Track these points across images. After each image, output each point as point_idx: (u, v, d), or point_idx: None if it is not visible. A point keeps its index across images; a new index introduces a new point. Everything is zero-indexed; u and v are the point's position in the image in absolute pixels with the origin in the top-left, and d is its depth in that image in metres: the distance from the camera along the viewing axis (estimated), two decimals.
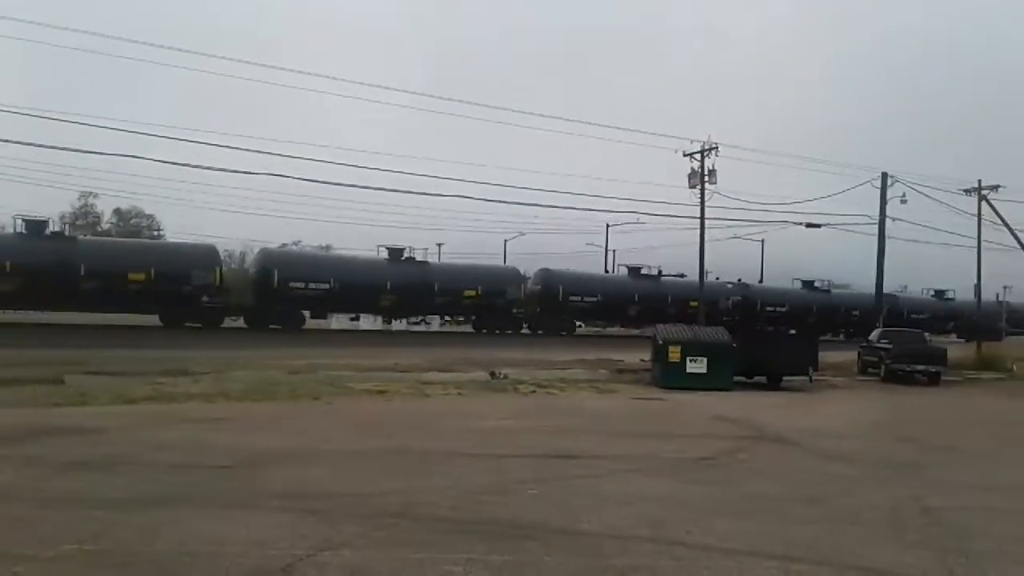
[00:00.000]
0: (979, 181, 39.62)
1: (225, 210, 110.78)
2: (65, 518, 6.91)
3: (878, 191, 38.22)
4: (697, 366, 22.25)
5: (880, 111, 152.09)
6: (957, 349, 36.24)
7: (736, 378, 23.01)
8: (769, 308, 56.26)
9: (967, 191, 39.93)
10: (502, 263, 59.34)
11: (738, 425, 15.05)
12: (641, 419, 15.93)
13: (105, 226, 73.63)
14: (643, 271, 53.17)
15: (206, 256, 39.90)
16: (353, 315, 52.87)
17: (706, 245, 40.14)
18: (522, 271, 51.90)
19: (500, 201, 50.04)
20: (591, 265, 64.16)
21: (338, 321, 51.89)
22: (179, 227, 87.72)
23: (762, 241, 70.00)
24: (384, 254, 45.25)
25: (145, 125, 40.98)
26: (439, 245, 75.38)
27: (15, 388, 15.88)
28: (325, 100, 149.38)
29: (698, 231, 39.76)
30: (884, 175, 38.57)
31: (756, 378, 24.38)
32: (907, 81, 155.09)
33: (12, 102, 76.50)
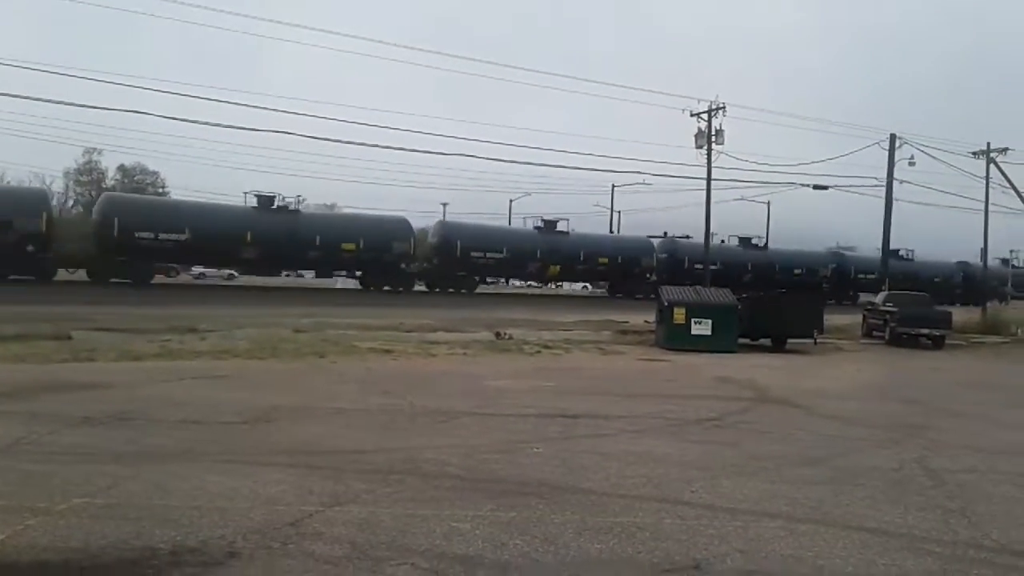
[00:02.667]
0: (988, 144, 39.33)
1: (234, 167, 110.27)
2: (75, 472, 6.96)
3: (886, 153, 37.99)
4: (702, 328, 22.28)
5: (889, 71, 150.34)
6: (961, 313, 36.19)
7: (741, 340, 23.05)
8: (861, 275, 56.74)
9: (975, 154, 39.65)
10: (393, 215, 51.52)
11: (742, 386, 15.09)
12: (645, 380, 15.98)
13: (110, 183, 73.43)
14: (558, 227, 50.34)
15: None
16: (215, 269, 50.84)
17: (712, 206, 40.02)
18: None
19: (505, 160, 49.66)
20: (596, 226, 64.08)
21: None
22: (184, 184, 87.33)
23: (768, 203, 69.86)
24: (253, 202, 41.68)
25: (148, 80, 40.69)
26: (444, 205, 75.43)
27: (27, 343, 15.99)
28: (330, 56, 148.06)
29: (704, 192, 39.62)
30: (892, 136, 38.32)
31: (761, 340, 24.42)
32: (917, 42, 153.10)
33: (10, 54, 75.78)
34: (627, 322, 29.11)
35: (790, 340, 24.50)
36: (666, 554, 5.42)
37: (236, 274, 51.83)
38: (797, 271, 54.65)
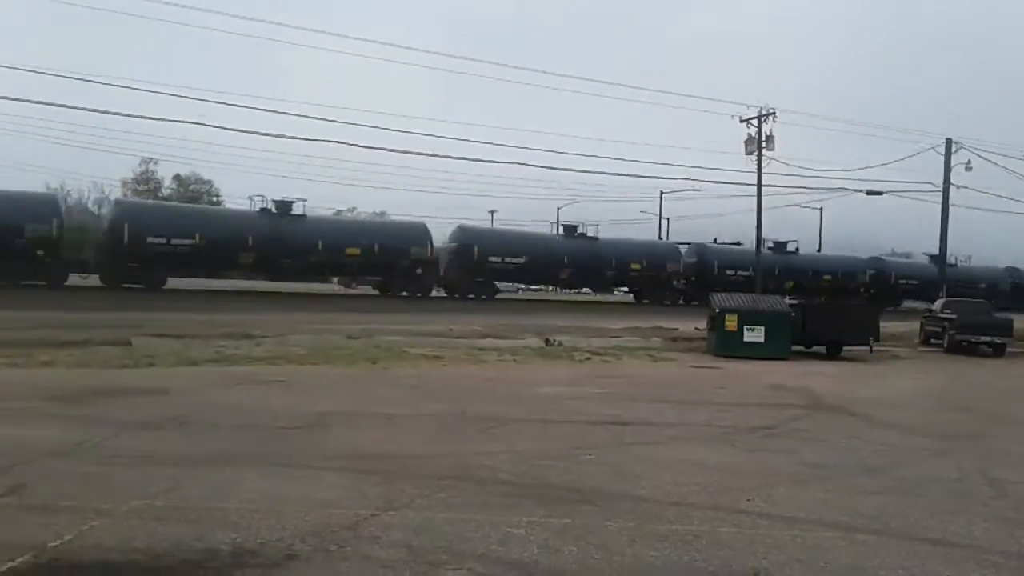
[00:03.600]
0: None
1: (288, 176, 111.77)
2: (136, 475, 7.12)
3: (942, 158, 37.22)
4: (755, 335, 22.02)
5: (946, 75, 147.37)
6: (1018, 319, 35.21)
7: (794, 348, 22.73)
8: (903, 281, 55.82)
9: None
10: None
11: (797, 394, 14.88)
12: (697, 387, 15.83)
13: (166, 191, 75.13)
14: (579, 231, 48.79)
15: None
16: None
17: (763, 213, 39.58)
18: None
19: (552, 168, 49.34)
20: (644, 233, 63.72)
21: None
22: (237, 192, 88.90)
23: (820, 209, 68.83)
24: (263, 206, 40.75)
25: (202, 91, 41.48)
26: (492, 212, 75.71)
27: (88, 349, 16.41)
28: (372, 66, 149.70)
29: (754, 199, 39.20)
30: (948, 141, 37.55)
31: (815, 348, 24.05)
32: (973, 43, 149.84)
33: (65, 66, 78.04)
34: (677, 329, 28.88)
35: (845, 348, 24.08)
36: (723, 562, 5.36)
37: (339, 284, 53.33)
38: (830, 277, 53.10)
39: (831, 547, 5.82)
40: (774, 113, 38.78)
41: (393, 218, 48.37)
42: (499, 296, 46.21)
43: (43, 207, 35.00)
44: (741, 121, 39.62)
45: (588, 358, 19.97)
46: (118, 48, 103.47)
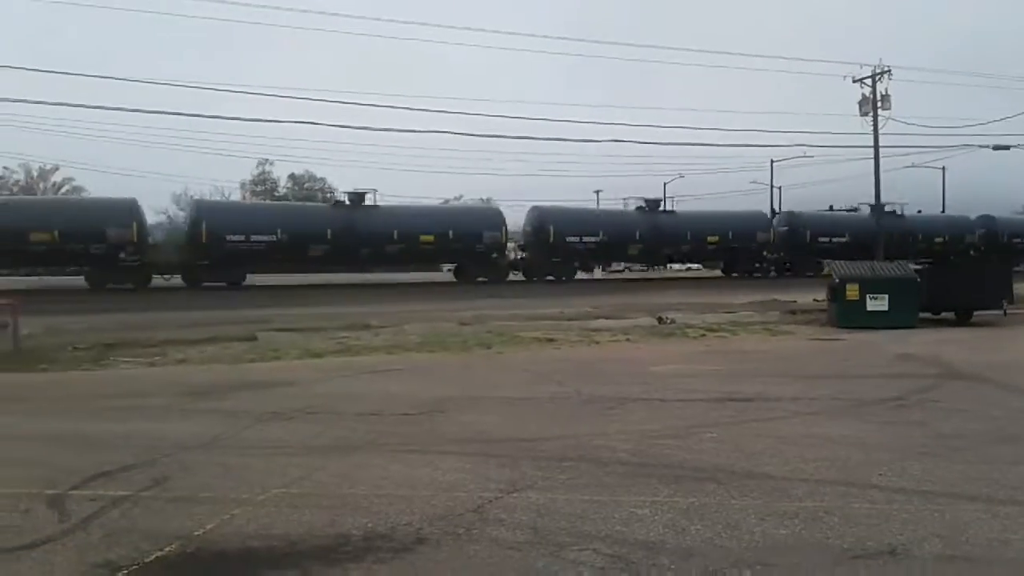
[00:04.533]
0: None
1: (400, 169, 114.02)
2: (270, 464, 7.42)
3: None
4: (878, 303, 21.21)
5: None
6: None
7: (921, 315, 21.77)
8: (1016, 239, 53.03)
9: None
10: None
11: (926, 363, 14.26)
12: (819, 360, 15.38)
13: (282, 191, 77.74)
14: (658, 206, 47.38)
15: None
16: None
17: (881, 175, 38.03)
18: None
19: (657, 143, 48.58)
20: (756, 204, 62.08)
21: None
22: (351, 188, 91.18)
23: (943, 168, 65.58)
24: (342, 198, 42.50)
25: (313, 91, 42.66)
26: (597, 192, 75.29)
27: (219, 345, 17.22)
28: (470, 53, 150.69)
29: (870, 161, 37.69)
30: None
31: (944, 314, 22.97)
32: None
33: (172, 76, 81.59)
34: (794, 301, 28.09)
35: (976, 313, 22.90)
36: (857, 539, 5.20)
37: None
38: (939, 239, 50.15)
39: (972, 521, 5.57)
40: (889, 71, 37.16)
41: (467, 203, 48.19)
42: (579, 278, 45.42)
43: (123, 212, 35.98)
44: (854, 81, 38.14)
45: (702, 335, 19.67)
46: (244, 55, 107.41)
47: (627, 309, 25.92)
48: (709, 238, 46.23)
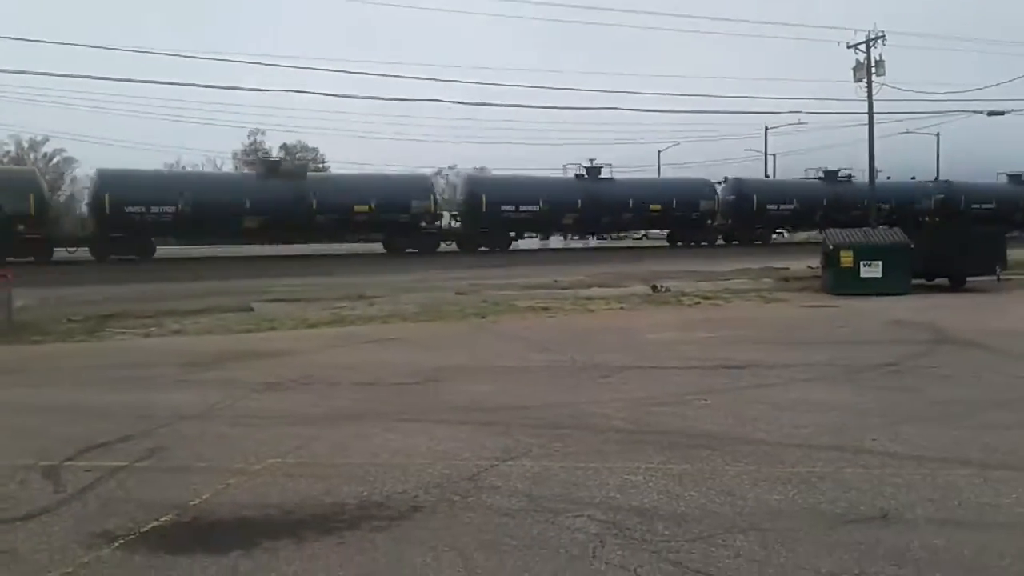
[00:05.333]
0: None
1: (390, 138, 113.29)
2: (265, 434, 7.43)
3: None
4: (871, 270, 21.23)
5: None
6: None
7: (915, 281, 21.81)
8: (975, 206, 51.34)
9: None
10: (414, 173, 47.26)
11: (919, 329, 14.30)
12: (813, 326, 15.42)
13: None
14: (598, 173, 45.12)
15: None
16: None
17: (876, 141, 37.92)
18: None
19: (652, 110, 48.33)
20: (752, 171, 61.88)
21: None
22: (343, 158, 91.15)
23: (937, 135, 65.35)
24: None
25: (303, 60, 42.26)
26: (591, 160, 74.92)
27: (213, 316, 17.20)
28: (457, 20, 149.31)
29: (865, 127, 37.59)
30: None
31: (937, 280, 23.02)
32: None
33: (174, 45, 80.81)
34: (787, 268, 28.12)
35: (969, 278, 22.95)
36: (850, 504, 5.24)
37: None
38: (886, 205, 47.03)
39: (964, 485, 5.62)
40: (883, 36, 36.91)
41: (390, 172, 46.27)
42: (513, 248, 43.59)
43: (20, 183, 34.59)
44: (848, 47, 37.89)
45: (697, 302, 19.71)
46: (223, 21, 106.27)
47: (623, 278, 25.90)
48: (652, 206, 44.46)
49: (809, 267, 26.02)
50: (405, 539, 4.80)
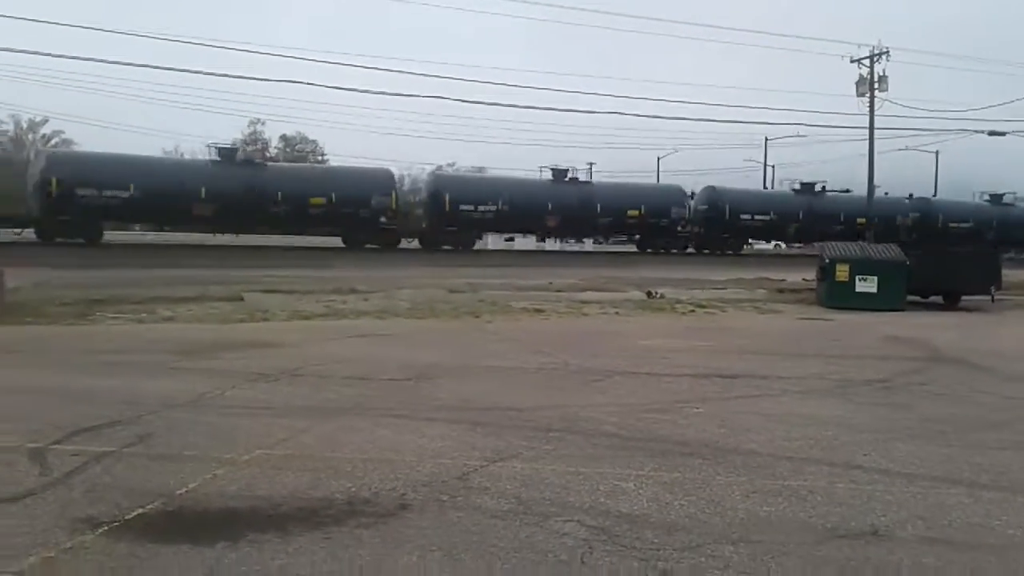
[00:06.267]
0: None
1: (393, 134, 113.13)
2: (254, 425, 7.39)
3: None
4: (867, 285, 21.26)
5: None
6: None
7: (909, 298, 21.85)
8: (953, 225, 50.39)
9: None
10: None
11: (913, 346, 14.31)
12: (807, 339, 15.41)
13: (273, 152, 77.12)
14: (570, 176, 44.73)
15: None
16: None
17: (876, 157, 38.00)
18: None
19: (652, 116, 48.30)
20: (751, 183, 61.96)
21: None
22: (344, 151, 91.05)
23: (936, 152, 65.55)
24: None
25: (304, 51, 42.04)
26: (590, 164, 74.91)
27: (204, 304, 17.11)
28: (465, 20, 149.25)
29: (866, 142, 37.66)
30: None
31: (932, 298, 23.06)
32: None
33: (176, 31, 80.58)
34: (783, 280, 28.14)
35: (964, 297, 22.99)
36: (841, 519, 5.21)
37: None
38: (862, 220, 45.33)
39: (954, 504, 5.59)
40: (887, 52, 37.01)
41: (357, 165, 45.32)
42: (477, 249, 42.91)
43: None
44: (852, 61, 37.99)
45: (692, 310, 19.69)
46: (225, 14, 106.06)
47: (619, 282, 25.88)
48: (630, 212, 43.78)
49: (804, 279, 26.03)
50: (392, 537, 4.76)
